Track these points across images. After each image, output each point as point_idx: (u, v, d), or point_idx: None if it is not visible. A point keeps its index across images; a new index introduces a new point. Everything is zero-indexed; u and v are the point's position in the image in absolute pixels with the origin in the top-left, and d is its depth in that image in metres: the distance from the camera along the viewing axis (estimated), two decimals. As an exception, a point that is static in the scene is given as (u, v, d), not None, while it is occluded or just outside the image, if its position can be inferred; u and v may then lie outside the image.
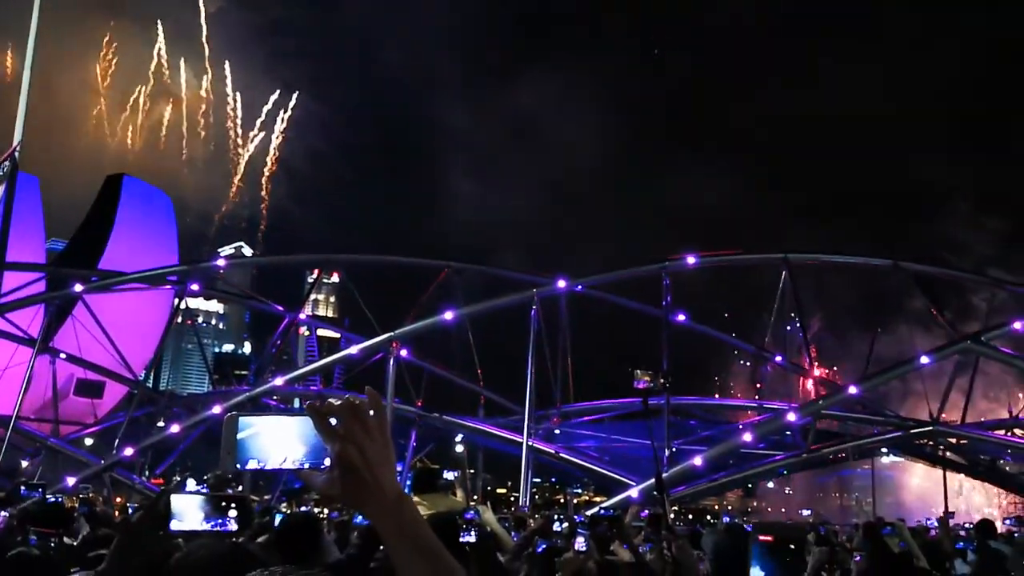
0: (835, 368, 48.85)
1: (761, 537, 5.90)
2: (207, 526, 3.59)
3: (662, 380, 20.28)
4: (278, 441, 1.89)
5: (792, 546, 5.51)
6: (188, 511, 3.59)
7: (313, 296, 44.91)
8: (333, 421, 1.68)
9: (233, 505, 3.64)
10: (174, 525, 3.54)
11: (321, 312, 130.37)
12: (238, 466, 1.90)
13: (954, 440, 33.40)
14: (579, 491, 49.75)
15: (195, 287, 38.29)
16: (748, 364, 49.19)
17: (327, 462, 1.68)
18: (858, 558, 9.06)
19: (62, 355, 37.79)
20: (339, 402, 1.68)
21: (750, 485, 45.92)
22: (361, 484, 1.67)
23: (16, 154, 23.98)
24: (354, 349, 34.66)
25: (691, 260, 35.48)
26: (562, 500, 47.81)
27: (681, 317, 38.76)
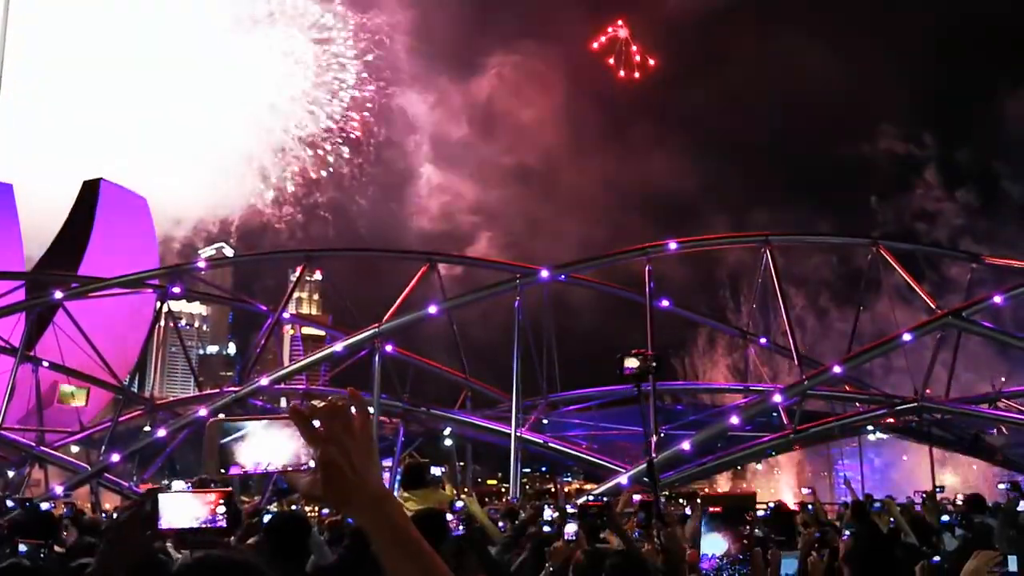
0: (816, 348, 49.21)
1: (711, 508, 6.24)
2: (196, 524, 3.58)
3: (652, 363, 20.18)
4: (262, 444, 1.89)
5: (743, 515, 5.96)
6: (176, 509, 3.57)
7: (296, 294, 44.74)
8: (316, 423, 1.68)
9: (222, 502, 3.63)
10: (163, 524, 3.53)
11: (305, 310, 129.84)
12: (222, 471, 1.90)
13: (939, 415, 33.69)
14: (569, 479, 49.92)
15: (177, 290, 38.07)
16: (731, 348, 49.33)
17: (311, 463, 1.69)
18: (846, 536, 9.15)
19: (44, 363, 37.52)
20: (321, 404, 1.69)
21: (739, 467, 46.19)
22: (345, 484, 1.68)
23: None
24: (339, 346, 34.58)
25: (672, 246, 35.60)
26: (552, 489, 47.93)
27: (665, 303, 38.94)
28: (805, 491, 23.99)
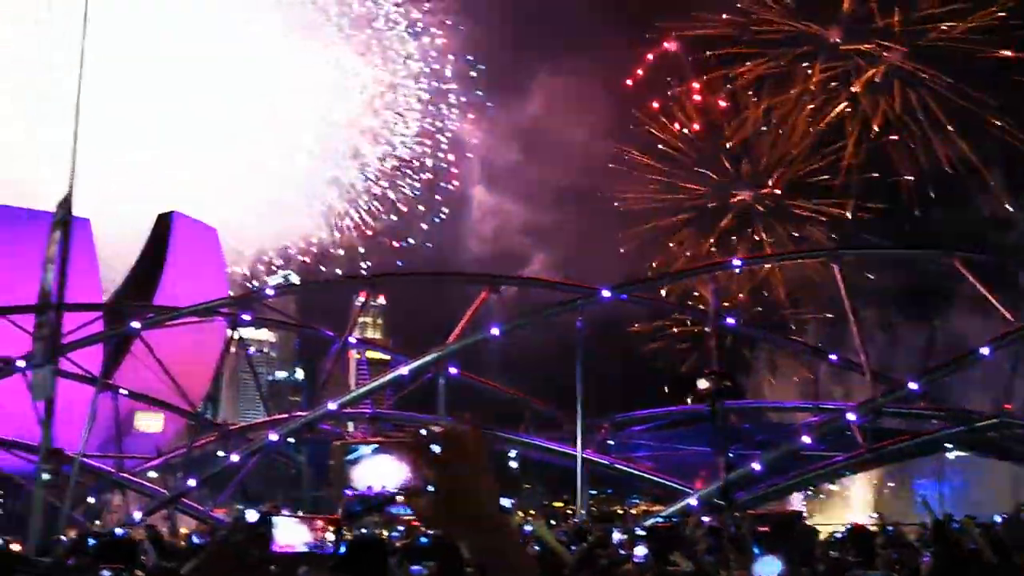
0: (887, 364, 47.90)
1: (759, 528, 5.98)
2: (305, 548, 3.72)
3: (726, 383, 19.91)
4: (376, 467, 1.95)
5: (789, 532, 5.70)
6: (288, 533, 3.71)
7: (360, 319, 45.40)
8: (434, 448, 1.74)
9: (331, 528, 3.77)
10: (276, 547, 3.67)
11: (369, 334, 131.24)
12: (346, 492, 1.97)
13: (1021, 431, 32.48)
14: (636, 501, 49.32)
15: (247, 317, 38.97)
16: (797, 365, 48.26)
17: (428, 487, 1.75)
18: (927, 558, 8.92)
19: (123, 391, 38.70)
20: (440, 430, 1.75)
21: (811, 489, 45.13)
22: (460, 510, 1.73)
23: (70, 198, 24.61)
24: (404, 370, 34.94)
25: (737, 263, 35.22)
26: (619, 511, 47.44)
27: (730, 320, 38.51)
28: (872, 516, 23.36)
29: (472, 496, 1.74)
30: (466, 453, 1.75)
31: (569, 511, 41.58)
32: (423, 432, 1.77)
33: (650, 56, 64.43)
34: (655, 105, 63.03)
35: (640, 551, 6.65)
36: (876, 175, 56.90)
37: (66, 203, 25.51)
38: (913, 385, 31.44)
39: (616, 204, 62.63)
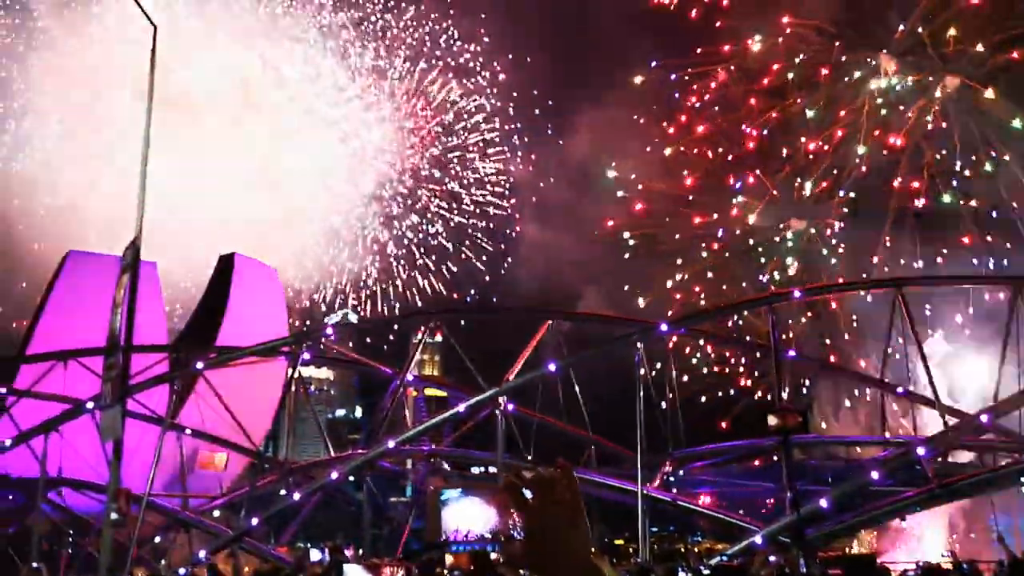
0: (955, 396, 46.42)
1: (831, 572, 5.77)
2: None
3: (799, 418, 19.66)
4: (467, 511, 1.98)
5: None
6: None
7: (417, 356, 45.70)
8: (527, 493, 1.76)
9: (401, 573, 3.83)
10: None
11: (427, 371, 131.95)
12: (444, 536, 2.01)
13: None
14: (699, 539, 48.40)
15: (307, 356, 39.52)
16: (860, 397, 47.05)
17: (519, 532, 1.77)
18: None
19: (188, 431, 39.45)
20: (531, 475, 1.78)
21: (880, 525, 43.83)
22: (550, 553, 1.74)
23: (138, 243, 25.35)
24: (462, 407, 35.01)
25: (797, 294, 34.70)
26: (682, 549, 46.57)
27: (791, 353, 37.87)
28: (944, 555, 22.58)
29: (565, 541, 1.74)
30: (560, 498, 1.77)
31: (631, 549, 41.01)
32: (515, 476, 1.79)
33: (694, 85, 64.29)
34: (700, 128, 62.80)
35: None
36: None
37: (134, 247, 26.30)
38: (984, 417, 30.46)
39: (670, 236, 62.28)
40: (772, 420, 18.37)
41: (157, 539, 37.11)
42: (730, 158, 62.14)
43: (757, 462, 40.63)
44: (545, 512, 1.74)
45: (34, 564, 28.90)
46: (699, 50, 62.48)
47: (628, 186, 66.50)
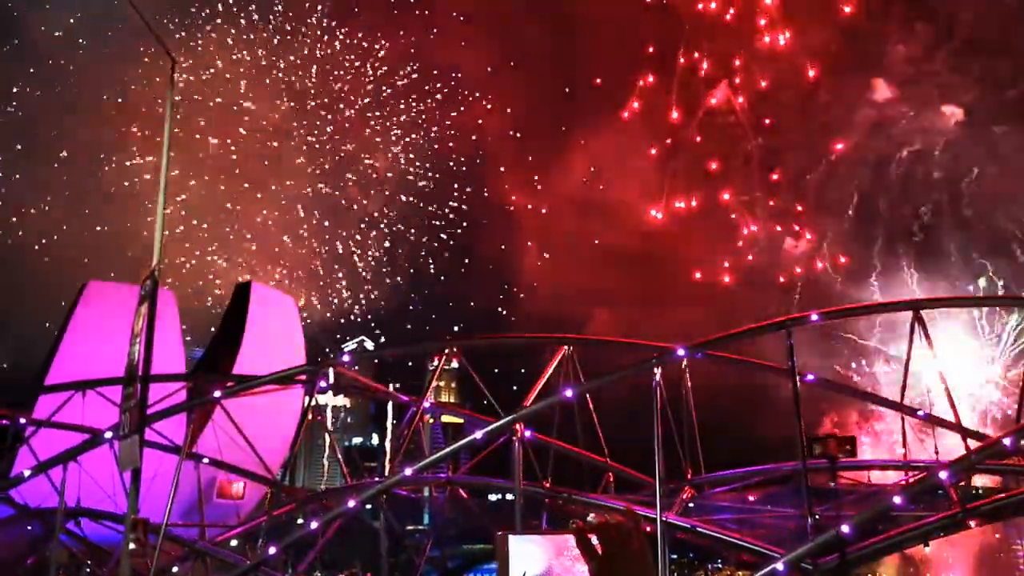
0: (976, 418, 45.94)
1: None
2: None
3: (847, 446, 19.70)
4: (540, 558, 1.97)
5: None
6: None
7: (435, 383, 45.70)
8: (594, 539, 1.73)
9: None
10: None
11: (443, 398, 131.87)
12: None
13: None
14: (720, 566, 47.97)
15: (324, 384, 39.55)
16: (878, 420, 46.67)
17: None
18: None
19: (205, 460, 39.49)
20: (597, 521, 1.75)
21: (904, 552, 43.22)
22: None
23: (156, 273, 25.56)
24: (478, 434, 34.83)
25: (814, 317, 34.47)
26: (703, 576, 46.12)
27: (810, 377, 37.53)
28: None
29: None
30: (628, 545, 1.74)
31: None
32: (584, 522, 1.78)
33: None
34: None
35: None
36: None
37: (152, 278, 26.50)
38: (1007, 441, 30.04)
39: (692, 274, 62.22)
40: (817, 449, 18.34)
41: (175, 569, 37.01)
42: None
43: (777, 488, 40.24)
44: (616, 563, 1.71)
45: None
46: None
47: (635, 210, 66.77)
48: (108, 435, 33.14)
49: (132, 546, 25.12)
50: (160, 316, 28.05)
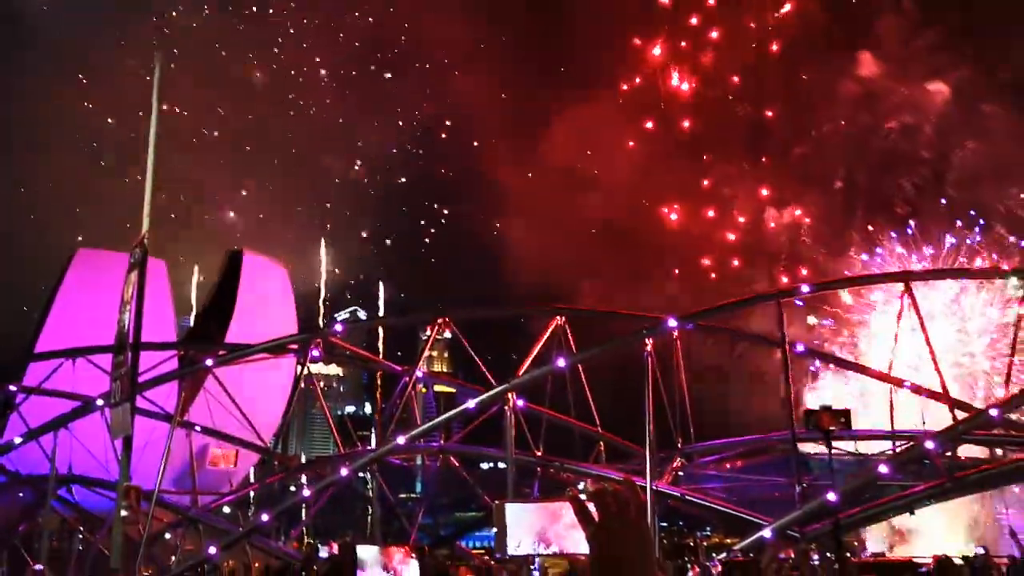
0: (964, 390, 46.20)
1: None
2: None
3: (842, 419, 19.82)
4: (534, 526, 1.97)
5: None
6: (372, 562, 3.81)
7: (427, 352, 45.74)
8: (591, 506, 1.74)
9: (413, 556, 3.85)
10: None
11: (436, 367, 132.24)
12: (509, 552, 1.99)
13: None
14: (708, 533, 48.45)
15: (316, 353, 39.57)
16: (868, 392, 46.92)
17: (584, 547, 1.75)
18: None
19: (197, 428, 39.58)
20: (594, 488, 1.75)
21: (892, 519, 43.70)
22: (615, 567, 1.72)
23: (145, 241, 25.41)
24: (471, 403, 34.99)
25: (805, 289, 34.59)
26: (691, 544, 46.58)
27: (800, 347, 37.72)
28: (978, 550, 22.48)
29: (632, 562, 1.73)
30: (625, 513, 1.74)
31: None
32: (579, 489, 1.78)
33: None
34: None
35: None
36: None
37: (142, 246, 26.37)
38: (994, 412, 30.32)
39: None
40: (812, 417, 18.42)
41: (167, 536, 37.25)
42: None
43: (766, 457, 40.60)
44: (613, 530, 1.72)
45: (37, 567, 29.10)
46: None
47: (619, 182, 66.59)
48: (99, 403, 33.15)
49: (124, 513, 25.20)
50: (150, 284, 27.97)
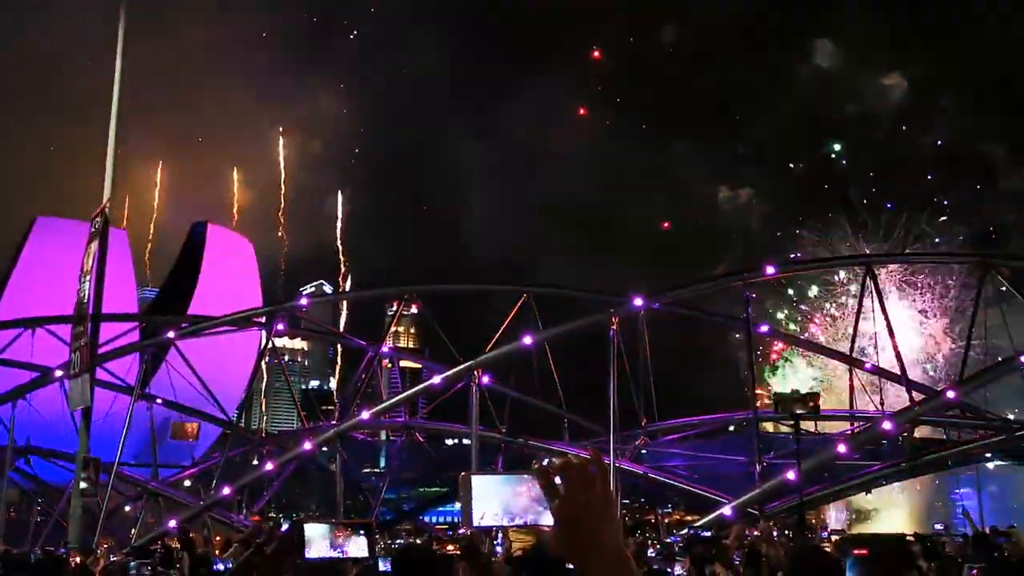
0: (922, 372, 47.12)
1: (855, 551, 5.70)
2: (335, 553, 3.74)
3: (810, 403, 20.28)
4: (502, 498, 1.97)
5: (890, 558, 5.36)
6: (320, 539, 3.74)
7: (393, 328, 45.58)
8: (557, 480, 1.74)
9: (362, 531, 3.79)
10: (309, 554, 3.70)
11: (402, 343, 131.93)
12: (474, 524, 1.99)
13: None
14: (669, 510, 48.99)
15: (281, 327, 39.23)
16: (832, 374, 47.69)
17: (549, 519, 1.76)
18: (973, 571, 8.74)
19: (158, 400, 39.15)
20: (561, 462, 1.76)
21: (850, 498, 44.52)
22: (580, 540, 1.74)
23: (106, 211, 24.97)
24: (437, 379, 34.96)
25: (770, 270, 34.88)
26: (652, 520, 47.11)
27: (764, 327, 38.18)
28: (937, 527, 23.03)
29: (597, 532, 1.74)
30: (591, 486, 1.75)
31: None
32: (545, 463, 1.79)
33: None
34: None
35: (679, 569, 6.57)
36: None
37: (103, 215, 25.91)
38: (951, 394, 30.91)
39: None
40: (784, 403, 18.78)
41: (127, 508, 36.90)
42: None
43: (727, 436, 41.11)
44: (578, 502, 1.73)
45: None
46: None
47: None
48: (59, 373, 32.63)
49: (83, 485, 24.95)
50: (111, 254, 27.53)
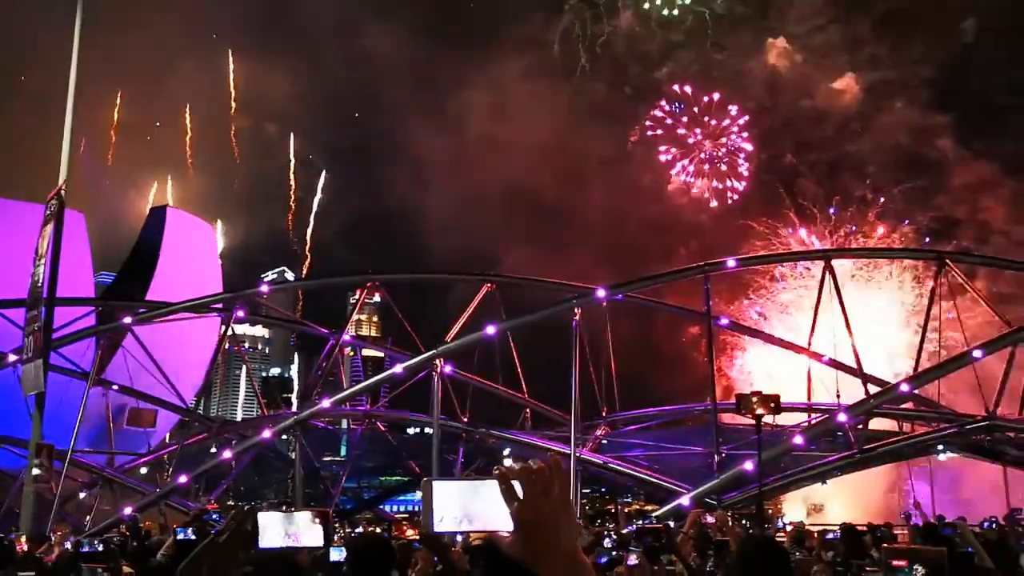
0: (879, 366, 47.93)
1: (895, 562, 5.51)
2: (289, 542, 3.72)
3: (771, 403, 20.70)
4: (462, 502, 1.99)
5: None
6: (274, 528, 3.72)
7: (356, 316, 45.26)
8: (516, 484, 1.80)
9: (317, 520, 3.77)
10: (263, 543, 3.68)
11: (364, 332, 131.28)
12: (434, 528, 2.02)
13: (1012, 434, 32.56)
14: (629, 500, 49.43)
15: (241, 313, 38.83)
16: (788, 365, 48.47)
17: (509, 524, 1.82)
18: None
19: (115, 387, 38.56)
20: (520, 467, 1.83)
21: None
22: (538, 543, 1.79)
23: (62, 192, 24.50)
24: (399, 368, 34.86)
25: (731, 263, 35.24)
26: (612, 510, 47.50)
27: (724, 320, 38.55)
28: (914, 512, 23.48)
29: (555, 535, 1.80)
30: (549, 491, 1.81)
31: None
32: (505, 466, 1.85)
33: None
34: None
35: (634, 559, 6.61)
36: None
37: (58, 197, 25.41)
38: (905, 387, 31.48)
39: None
40: (745, 402, 19.11)
41: (81, 495, 36.36)
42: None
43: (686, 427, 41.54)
44: (536, 505, 1.79)
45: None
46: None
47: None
48: (12, 358, 31.99)
49: (36, 472, 24.52)
50: (68, 237, 27.01)
